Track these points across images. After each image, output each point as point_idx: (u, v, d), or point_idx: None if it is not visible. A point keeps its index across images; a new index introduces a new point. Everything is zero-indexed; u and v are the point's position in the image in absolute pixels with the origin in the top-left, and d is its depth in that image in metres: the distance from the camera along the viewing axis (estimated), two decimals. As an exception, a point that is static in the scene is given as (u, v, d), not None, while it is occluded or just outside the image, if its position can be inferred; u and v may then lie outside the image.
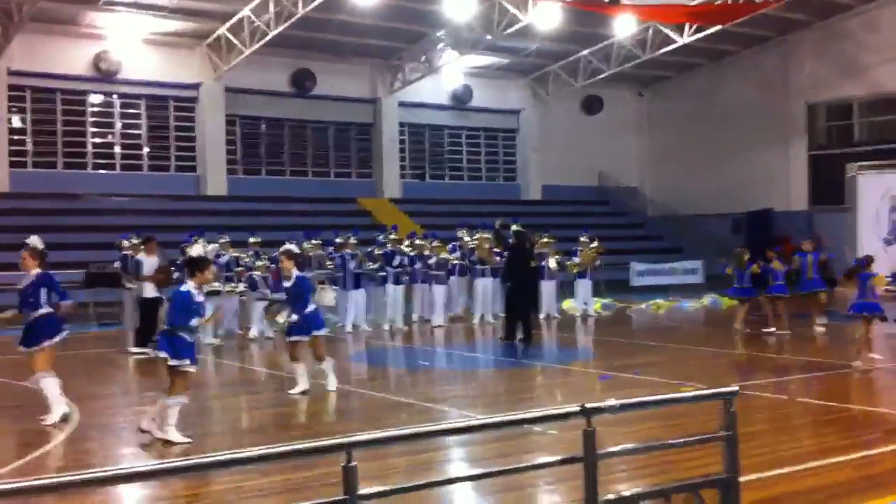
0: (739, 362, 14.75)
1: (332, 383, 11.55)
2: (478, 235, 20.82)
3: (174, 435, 8.77)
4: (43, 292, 9.90)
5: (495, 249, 20.06)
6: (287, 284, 11.77)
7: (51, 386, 9.70)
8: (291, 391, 11.39)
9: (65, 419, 9.70)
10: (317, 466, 7.18)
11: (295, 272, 11.72)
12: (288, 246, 12.13)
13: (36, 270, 9.96)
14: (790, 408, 10.55)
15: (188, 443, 8.74)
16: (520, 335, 16.96)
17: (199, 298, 9.16)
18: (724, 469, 5.72)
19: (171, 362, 8.85)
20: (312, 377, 11.68)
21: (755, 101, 34.93)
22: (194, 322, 9.04)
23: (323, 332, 11.81)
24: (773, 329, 17.27)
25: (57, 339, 9.92)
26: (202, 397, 11.79)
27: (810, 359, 14.40)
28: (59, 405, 9.71)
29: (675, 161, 38.00)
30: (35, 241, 10.19)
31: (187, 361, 8.89)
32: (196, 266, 9.19)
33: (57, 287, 10.07)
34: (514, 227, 20.78)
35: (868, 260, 13.50)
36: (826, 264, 18.19)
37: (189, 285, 9.09)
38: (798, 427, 9.69)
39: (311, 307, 11.62)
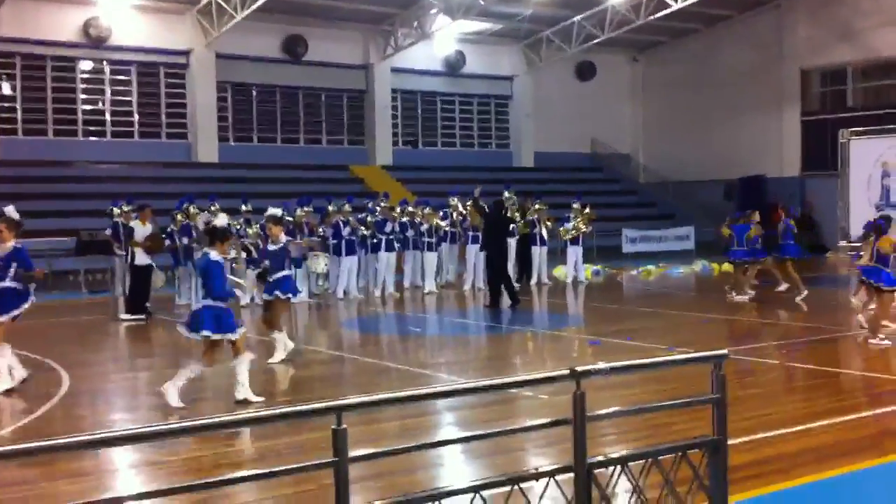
0: (732, 328, 14.80)
1: (277, 356, 11.33)
2: (470, 202, 20.78)
3: (173, 396, 8.83)
4: (13, 266, 9.74)
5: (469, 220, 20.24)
6: (273, 248, 11.81)
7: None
8: (270, 360, 11.27)
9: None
10: (306, 431, 7.22)
11: (283, 237, 11.87)
12: (272, 210, 12.14)
13: (11, 243, 9.78)
14: (781, 372, 10.61)
15: (261, 401, 8.90)
16: (508, 301, 17.06)
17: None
18: (713, 432, 5.76)
19: (215, 337, 8.86)
20: (308, 344, 11.71)
21: (749, 66, 34.80)
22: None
23: (292, 298, 11.79)
24: (783, 287, 17.49)
25: (15, 312, 9.80)
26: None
27: (805, 324, 14.45)
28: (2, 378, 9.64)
29: (668, 127, 37.93)
30: (11, 211, 10.07)
31: (230, 334, 8.94)
32: (219, 236, 9.24)
33: (28, 261, 9.91)
34: (506, 194, 20.85)
35: (875, 224, 12.59)
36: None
37: (214, 254, 9.09)
38: (787, 391, 9.76)
39: (286, 272, 11.67)
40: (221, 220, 10.74)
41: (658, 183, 38.25)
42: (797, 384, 10.17)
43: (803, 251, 18.78)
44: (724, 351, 5.86)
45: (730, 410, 5.86)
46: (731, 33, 35.66)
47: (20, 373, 9.81)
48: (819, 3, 32.94)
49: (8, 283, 9.69)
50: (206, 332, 8.84)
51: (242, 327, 9.20)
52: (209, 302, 9.00)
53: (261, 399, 9.01)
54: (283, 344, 11.39)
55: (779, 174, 33.94)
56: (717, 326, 14.92)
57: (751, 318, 15.58)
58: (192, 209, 18.07)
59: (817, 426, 7.86)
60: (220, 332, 8.88)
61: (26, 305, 9.84)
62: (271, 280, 11.58)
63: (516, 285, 20.60)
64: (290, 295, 11.65)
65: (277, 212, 12.19)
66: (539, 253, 21.37)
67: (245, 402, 8.91)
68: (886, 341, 11.99)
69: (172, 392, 8.80)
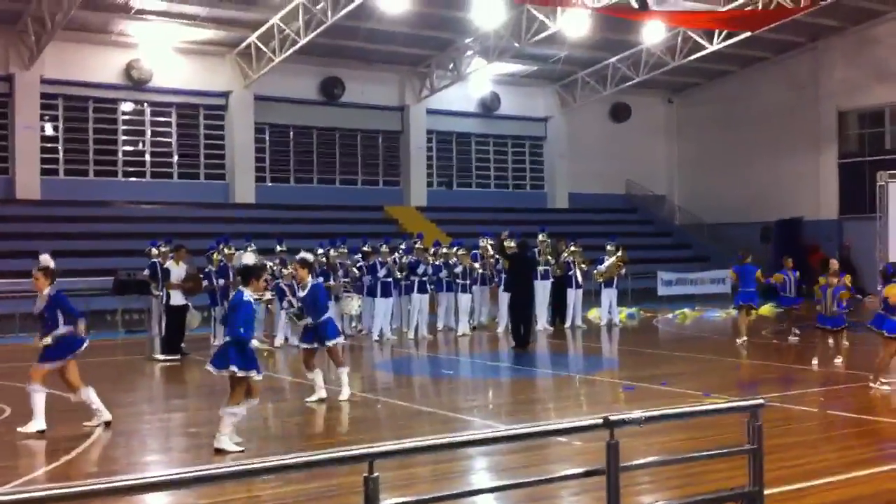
0: (768, 373, 14.59)
1: (345, 393, 11.59)
2: (492, 243, 20.85)
3: (227, 444, 8.76)
4: (59, 312, 9.90)
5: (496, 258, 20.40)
6: (302, 293, 11.85)
7: (38, 399, 9.75)
8: (308, 399, 11.44)
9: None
10: (340, 475, 7.20)
11: (310, 280, 11.81)
12: (302, 254, 12.16)
13: (47, 290, 9.96)
14: (819, 419, 10.43)
15: (240, 451, 8.73)
16: (513, 341, 17.44)
17: (256, 306, 9.34)
18: (749, 482, 5.68)
19: (240, 374, 8.85)
20: (341, 386, 11.70)
21: (785, 107, 34.65)
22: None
23: (338, 340, 11.88)
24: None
25: (75, 353, 10.03)
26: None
27: (840, 370, 14.22)
28: (39, 419, 9.73)
29: (703, 169, 37.79)
30: (47, 259, 10.21)
31: (254, 372, 8.94)
32: (253, 274, 9.29)
33: (69, 306, 10.08)
34: (540, 237, 20.91)
35: (884, 269, 12.65)
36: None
37: (248, 293, 9.12)
38: (826, 439, 9.57)
39: (325, 315, 11.65)
40: (249, 257, 10.81)
41: (693, 225, 38.03)
42: (836, 432, 9.98)
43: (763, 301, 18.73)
44: (760, 400, 5.81)
45: (766, 459, 5.80)
46: (766, 75, 35.57)
47: (105, 415, 9.96)
48: (856, 45, 32.80)
49: (62, 330, 9.86)
50: (233, 368, 8.81)
51: (258, 374, 9.04)
52: (234, 339, 8.97)
53: (239, 449, 8.78)
54: (323, 385, 11.54)
55: (816, 216, 33.63)
56: (754, 372, 14.72)
57: (788, 363, 15.36)
58: (228, 249, 18.23)
59: (857, 476, 7.71)
60: (244, 369, 8.84)
61: (81, 349, 10.07)
62: (311, 325, 11.62)
63: (549, 328, 20.62)
64: (339, 339, 12.00)
65: (308, 256, 12.16)
66: (574, 295, 21.28)
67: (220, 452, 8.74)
68: (886, 387, 11.89)
69: (225, 441, 8.75)
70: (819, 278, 14.64)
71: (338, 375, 11.74)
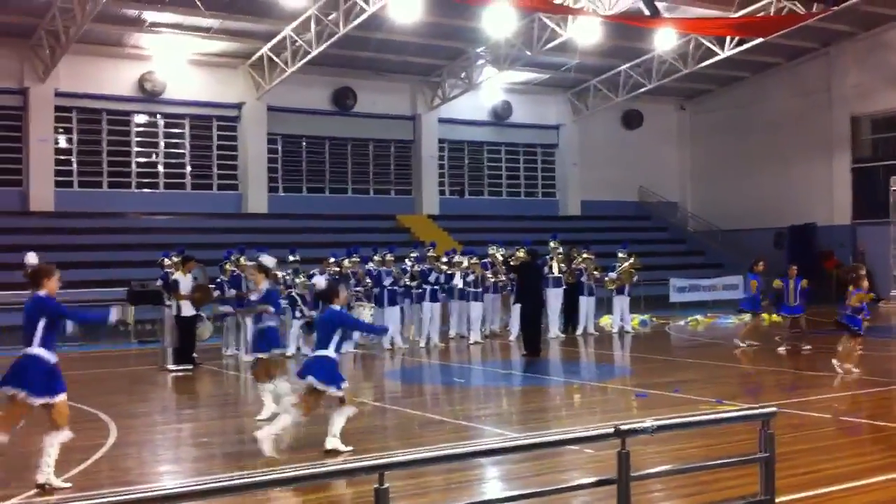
0: (781, 380, 14.53)
1: (265, 411, 10.67)
2: (516, 256, 20.82)
3: (338, 444, 8.91)
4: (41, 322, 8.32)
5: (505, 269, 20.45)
6: (254, 298, 11.36)
7: None
8: (258, 417, 10.60)
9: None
10: (351, 485, 7.20)
11: (265, 285, 11.25)
12: (261, 259, 11.87)
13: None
14: (832, 426, 10.37)
15: (350, 451, 8.80)
16: (524, 349, 17.49)
17: None
18: (761, 491, 5.66)
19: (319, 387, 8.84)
20: (354, 396, 11.68)
21: (798, 113, 34.57)
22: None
23: (277, 351, 11.32)
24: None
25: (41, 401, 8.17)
26: (238, 414, 11.88)
27: (856, 376, 14.13)
28: None
29: (716, 175, 37.71)
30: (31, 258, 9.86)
31: (334, 387, 8.94)
32: (335, 293, 9.27)
33: (58, 308, 8.50)
34: (552, 244, 20.95)
35: None
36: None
37: (337, 307, 9.21)
38: (839, 446, 9.51)
39: (272, 323, 11.06)
40: (268, 260, 10.77)
41: (706, 231, 37.94)
42: (849, 438, 9.92)
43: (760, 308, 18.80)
44: (773, 408, 5.79)
45: (779, 466, 5.78)
46: (778, 81, 35.49)
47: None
48: (868, 50, 32.70)
49: (35, 351, 8.06)
50: (311, 379, 8.85)
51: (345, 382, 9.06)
52: (323, 353, 8.98)
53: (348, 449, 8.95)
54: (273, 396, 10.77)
55: (829, 222, 33.50)
56: (766, 378, 14.66)
57: (800, 369, 15.29)
58: (241, 260, 18.28)
59: (871, 482, 7.65)
60: (325, 383, 8.85)
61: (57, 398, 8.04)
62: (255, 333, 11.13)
63: (561, 335, 20.60)
64: (278, 350, 11.34)
65: (267, 260, 11.53)
66: (586, 303, 21.24)
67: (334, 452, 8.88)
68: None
69: (267, 442, 8.80)
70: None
71: (263, 391, 10.89)
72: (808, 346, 16.96)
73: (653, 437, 5.36)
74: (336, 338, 8.99)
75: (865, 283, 13.98)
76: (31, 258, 9.81)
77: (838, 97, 33.64)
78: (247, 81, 30.46)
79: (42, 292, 8.18)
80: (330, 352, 8.96)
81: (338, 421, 9.00)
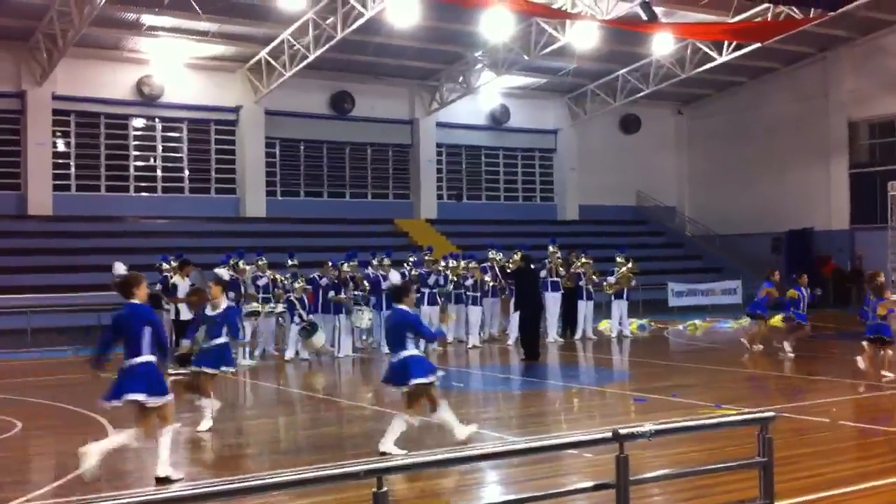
0: (779, 384, 14.54)
1: (205, 424, 10.54)
2: (512, 259, 20.85)
3: (392, 448, 8.96)
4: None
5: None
6: (211, 313, 10.86)
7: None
8: (198, 428, 10.44)
9: None
10: (350, 489, 7.19)
11: (224, 301, 10.94)
12: (218, 272, 11.69)
13: None
14: (831, 430, 10.38)
15: (404, 454, 8.85)
16: (523, 353, 17.54)
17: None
18: (760, 495, 5.66)
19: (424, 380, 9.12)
20: (351, 399, 11.68)
21: (795, 118, 34.62)
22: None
23: (227, 369, 10.88)
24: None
25: None
26: (237, 418, 11.87)
27: (853, 381, 14.15)
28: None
29: (713, 180, 37.76)
30: None
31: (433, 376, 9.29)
32: (405, 293, 9.51)
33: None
34: (550, 248, 20.98)
35: None
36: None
37: (406, 308, 9.42)
38: (838, 450, 9.52)
39: (223, 340, 10.74)
40: (223, 273, 10.53)
41: (704, 236, 37.97)
42: (848, 443, 9.93)
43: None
44: (771, 413, 5.80)
45: (778, 470, 5.79)
46: (776, 85, 35.55)
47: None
48: (865, 55, 32.76)
49: (148, 357, 8.37)
50: (415, 381, 9.13)
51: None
52: (409, 353, 9.21)
53: (403, 452, 8.95)
54: (211, 411, 10.71)
55: (827, 227, 33.54)
56: (765, 383, 14.67)
57: (799, 374, 15.30)
58: (240, 264, 18.28)
59: (870, 486, 7.66)
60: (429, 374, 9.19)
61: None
62: (205, 348, 10.73)
63: (560, 339, 20.62)
64: (230, 369, 10.98)
65: (224, 274, 11.07)
66: (585, 307, 21.26)
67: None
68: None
69: (391, 446, 8.93)
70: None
71: (202, 405, 10.64)
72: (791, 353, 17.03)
73: (651, 441, 5.36)
74: (410, 335, 9.29)
75: (888, 292, 14.11)
76: (119, 268, 9.89)
77: (836, 102, 33.70)
78: (245, 85, 30.46)
79: (136, 301, 8.54)
80: (413, 350, 9.24)
81: (448, 416, 9.38)
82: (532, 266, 18.80)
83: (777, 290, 18.09)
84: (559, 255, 21.16)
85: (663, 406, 11.67)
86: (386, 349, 18.52)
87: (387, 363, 9.44)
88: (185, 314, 16.11)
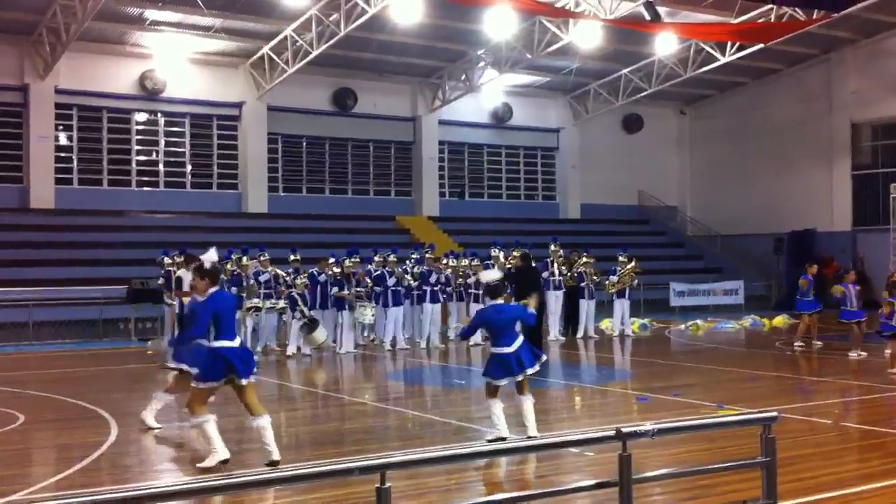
0: (782, 384, 14.53)
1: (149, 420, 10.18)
2: (513, 255, 20.83)
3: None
4: None
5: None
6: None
7: None
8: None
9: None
10: (352, 485, 7.19)
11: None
12: (204, 258, 10.17)
13: None
14: (833, 431, 10.37)
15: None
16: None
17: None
18: (762, 495, 5.65)
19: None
20: (353, 395, 11.68)
21: (798, 119, 34.61)
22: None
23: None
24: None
25: None
26: (241, 413, 11.86)
27: (857, 382, 14.15)
28: None
29: (715, 180, 37.75)
30: None
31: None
32: (498, 292, 9.83)
33: None
34: (552, 247, 20.96)
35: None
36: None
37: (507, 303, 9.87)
38: (841, 451, 9.52)
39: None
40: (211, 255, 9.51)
41: (706, 236, 37.96)
42: (851, 444, 9.93)
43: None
44: (774, 413, 5.78)
45: (781, 471, 5.78)
46: (779, 86, 35.52)
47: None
48: (869, 57, 32.74)
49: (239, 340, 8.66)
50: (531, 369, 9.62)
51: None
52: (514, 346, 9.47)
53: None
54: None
55: (829, 228, 33.53)
56: (767, 383, 14.66)
57: (801, 374, 15.29)
58: (243, 259, 18.28)
59: (873, 488, 7.65)
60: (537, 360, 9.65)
61: None
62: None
63: (561, 338, 20.61)
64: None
65: (211, 257, 9.05)
66: (586, 306, 21.25)
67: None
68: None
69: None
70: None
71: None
72: (863, 353, 16.76)
73: (654, 440, 5.35)
74: (517, 326, 9.61)
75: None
76: (213, 255, 9.06)
77: (838, 104, 33.68)
78: (247, 81, 30.46)
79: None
80: (519, 338, 9.47)
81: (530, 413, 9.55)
82: (533, 264, 18.77)
83: (807, 283, 17.91)
84: (561, 253, 21.15)
85: (665, 406, 11.66)
86: (388, 345, 18.62)
87: (496, 355, 9.48)
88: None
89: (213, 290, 8.70)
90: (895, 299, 13.93)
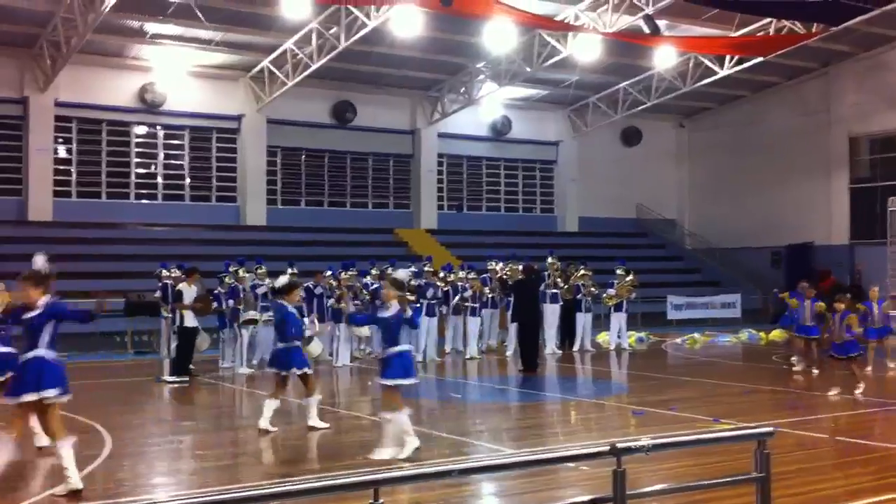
0: (778, 399, 14.51)
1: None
2: (510, 267, 20.83)
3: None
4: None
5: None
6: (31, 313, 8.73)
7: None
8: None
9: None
10: (345, 500, 7.17)
11: (41, 300, 8.83)
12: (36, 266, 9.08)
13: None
14: (829, 446, 10.36)
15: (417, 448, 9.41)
16: (521, 365, 17.55)
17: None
18: (756, 510, 5.63)
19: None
20: (349, 409, 11.64)
21: (796, 133, 34.67)
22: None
23: (51, 394, 8.43)
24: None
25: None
26: (235, 426, 11.85)
27: (850, 397, 14.13)
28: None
29: (714, 193, 37.79)
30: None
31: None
32: None
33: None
34: (549, 259, 20.97)
35: None
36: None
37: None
38: (836, 466, 9.50)
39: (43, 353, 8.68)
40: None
41: (704, 249, 37.98)
42: (845, 459, 9.91)
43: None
44: (770, 429, 5.77)
45: (775, 485, 5.77)
46: (777, 100, 35.61)
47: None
48: (867, 70, 32.82)
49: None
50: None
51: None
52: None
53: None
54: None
55: (827, 241, 33.55)
56: (764, 397, 14.63)
57: (798, 389, 15.27)
58: (240, 272, 18.27)
59: (866, 503, 7.63)
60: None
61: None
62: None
63: (558, 351, 20.60)
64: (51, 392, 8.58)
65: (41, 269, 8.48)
66: (583, 319, 21.23)
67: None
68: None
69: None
70: (834, 304, 14.37)
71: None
72: (816, 370, 16.67)
73: (649, 455, 5.35)
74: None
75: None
76: (283, 279, 10.99)
77: (837, 117, 33.75)
78: (247, 94, 30.53)
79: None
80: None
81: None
82: (532, 278, 18.82)
83: (796, 302, 17.59)
84: (558, 266, 21.15)
85: (661, 420, 11.64)
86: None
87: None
88: (190, 321, 16.12)
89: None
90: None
